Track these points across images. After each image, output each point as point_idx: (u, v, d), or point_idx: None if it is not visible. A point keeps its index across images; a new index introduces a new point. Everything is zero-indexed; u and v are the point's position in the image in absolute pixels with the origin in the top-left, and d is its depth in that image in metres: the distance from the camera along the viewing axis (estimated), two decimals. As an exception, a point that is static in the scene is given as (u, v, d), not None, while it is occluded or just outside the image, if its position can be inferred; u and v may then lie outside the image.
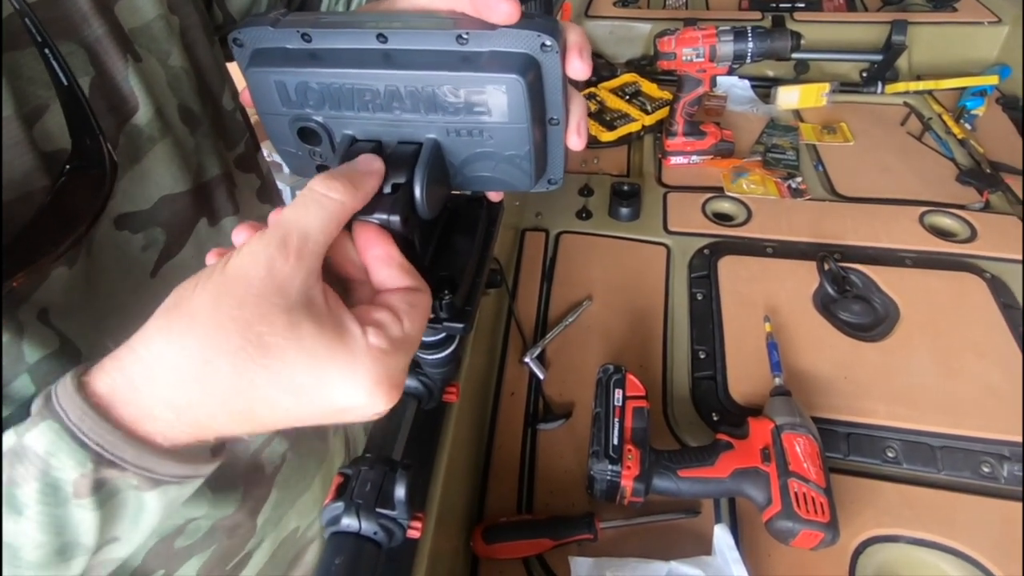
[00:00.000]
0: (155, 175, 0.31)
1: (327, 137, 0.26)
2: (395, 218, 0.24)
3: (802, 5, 1.16)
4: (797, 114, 0.97)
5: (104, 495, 0.20)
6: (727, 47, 0.77)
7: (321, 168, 0.28)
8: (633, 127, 0.92)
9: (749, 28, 0.77)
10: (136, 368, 0.20)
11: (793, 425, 0.47)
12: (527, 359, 0.59)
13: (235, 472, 0.39)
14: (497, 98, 0.23)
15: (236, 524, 0.40)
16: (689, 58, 0.78)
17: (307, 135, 0.26)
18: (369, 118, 0.25)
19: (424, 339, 0.31)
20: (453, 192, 0.28)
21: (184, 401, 0.20)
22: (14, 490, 0.19)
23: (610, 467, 0.45)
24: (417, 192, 0.24)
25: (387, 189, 0.24)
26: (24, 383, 0.26)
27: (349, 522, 0.30)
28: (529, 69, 0.23)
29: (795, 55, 0.80)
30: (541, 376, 0.58)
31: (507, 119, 0.24)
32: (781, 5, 1.16)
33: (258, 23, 0.25)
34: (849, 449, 0.52)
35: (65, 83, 0.24)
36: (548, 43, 0.23)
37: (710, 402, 0.56)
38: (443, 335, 0.32)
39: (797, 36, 0.77)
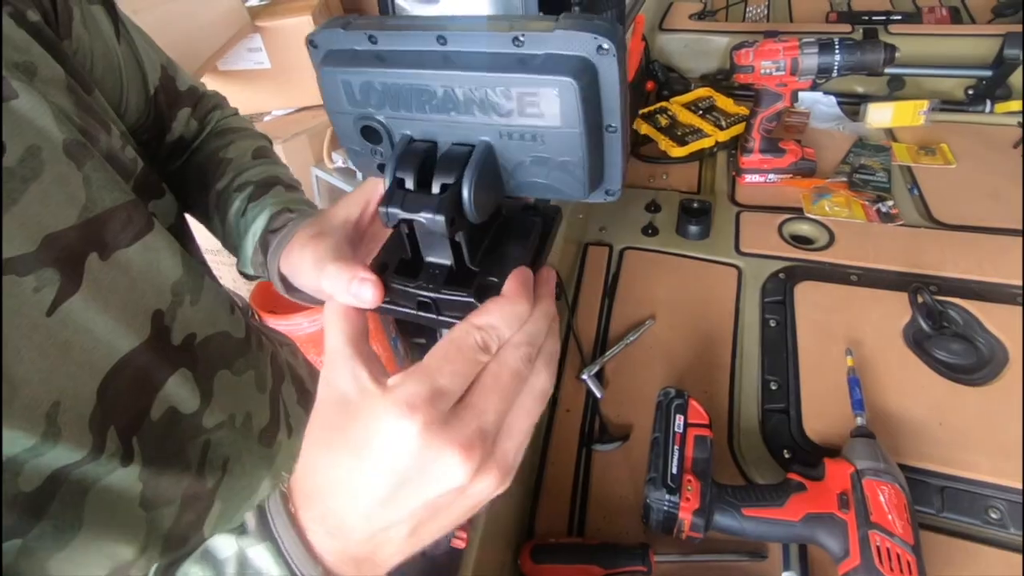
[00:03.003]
0: (34, 215, 0.30)
1: (387, 137, 0.26)
2: (439, 218, 0.23)
3: (898, 17, 1.09)
4: (890, 133, 0.90)
5: None
6: (811, 60, 0.73)
7: (381, 167, 0.29)
8: (706, 143, 0.88)
9: (836, 40, 0.73)
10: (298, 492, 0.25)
11: (877, 471, 0.43)
12: (585, 376, 0.58)
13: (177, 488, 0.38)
14: (550, 101, 0.23)
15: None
16: (768, 71, 0.75)
17: (369, 134, 0.27)
18: (426, 119, 0.25)
19: None
20: (509, 198, 0.28)
21: (334, 523, 0.23)
22: None
23: (667, 497, 0.43)
24: (465, 193, 0.24)
25: (435, 189, 0.24)
26: None
27: None
28: (584, 72, 0.22)
29: (888, 70, 0.75)
30: (599, 395, 0.57)
31: (560, 123, 0.23)
32: (875, 18, 1.09)
33: (331, 26, 0.26)
34: (944, 505, 0.46)
35: None
36: (605, 46, 0.22)
37: (781, 438, 0.52)
38: None
39: (891, 48, 0.72)
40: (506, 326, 0.23)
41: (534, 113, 0.23)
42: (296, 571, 0.23)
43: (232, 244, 0.46)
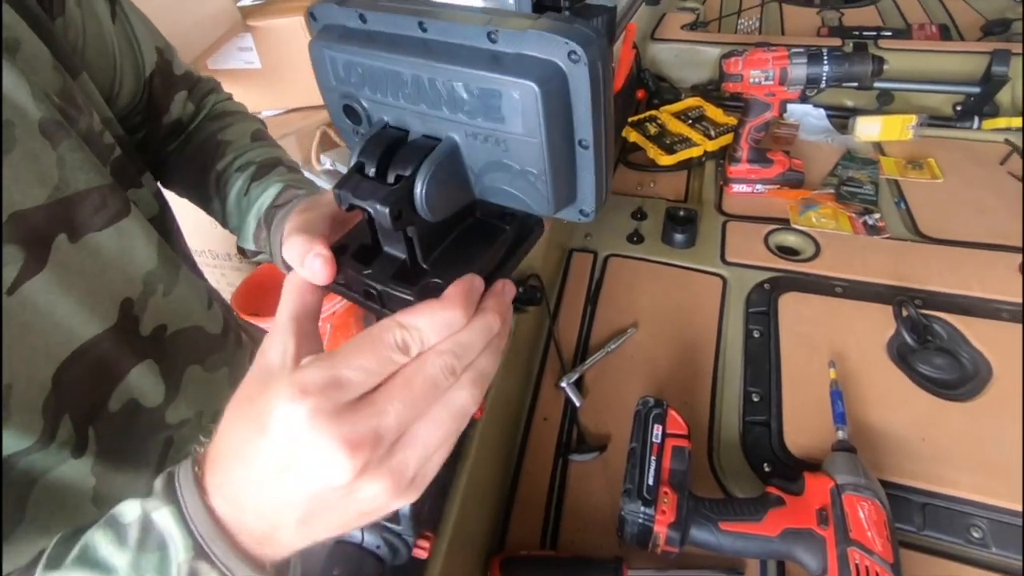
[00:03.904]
0: (3, 190, 0.29)
1: (366, 119, 0.26)
2: (383, 209, 0.22)
3: (889, 33, 1.09)
4: (878, 147, 0.90)
5: None
6: (799, 70, 0.73)
7: None
8: (694, 152, 0.88)
9: (825, 50, 0.73)
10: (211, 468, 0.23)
11: (857, 486, 0.42)
12: (564, 384, 0.57)
13: None
14: (512, 105, 0.21)
15: None
16: (757, 80, 0.75)
17: (350, 113, 0.26)
18: (400, 107, 0.24)
19: None
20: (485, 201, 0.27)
21: (231, 491, 0.22)
22: (140, 554, 0.22)
23: (643, 509, 0.42)
24: (418, 188, 0.23)
25: (391, 179, 0.23)
26: None
27: (352, 532, 0.28)
28: (551, 79, 0.21)
29: (878, 84, 0.74)
30: (578, 403, 0.56)
31: (521, 130, 0.22)
32: (865, 33, 1.10)
33: (329, 0, 0.25)
34: (925, 522, 0.45)
35: None
36: (577, 53, 0.20)
37: (761, 450, 0.51)
38: None
39: (879, 60, 0.72)
40: (432, 330, 0.22)
41: (496, 116, 0.22)
42: (197, 535, 0.22)
43: (233, 223, 0.45)
